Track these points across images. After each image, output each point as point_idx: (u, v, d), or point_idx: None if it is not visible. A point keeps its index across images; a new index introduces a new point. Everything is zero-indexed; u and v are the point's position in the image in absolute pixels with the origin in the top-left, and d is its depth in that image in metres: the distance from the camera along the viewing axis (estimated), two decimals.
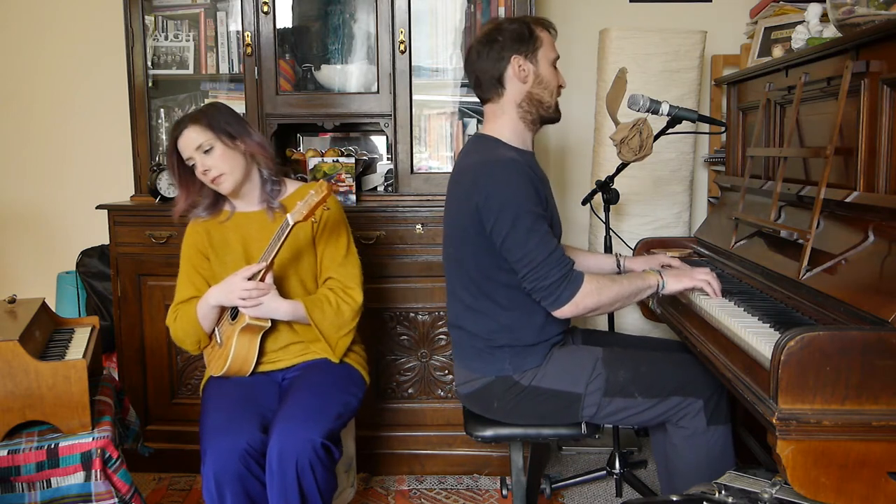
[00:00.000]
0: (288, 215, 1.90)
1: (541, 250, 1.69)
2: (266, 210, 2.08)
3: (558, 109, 1.89)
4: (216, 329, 2.07)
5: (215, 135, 1.98)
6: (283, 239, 1.91)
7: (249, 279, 1.93)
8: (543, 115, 1.86)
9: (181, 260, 2.13)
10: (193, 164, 1.99)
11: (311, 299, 2.02)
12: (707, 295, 1.81)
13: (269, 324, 2.01)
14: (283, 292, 2.02)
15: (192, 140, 1.97)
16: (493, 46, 1.81)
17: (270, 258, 1.93)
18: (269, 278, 1.95)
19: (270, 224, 2.06)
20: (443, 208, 2.51)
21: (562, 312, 1.73)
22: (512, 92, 1.83)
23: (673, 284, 1.82)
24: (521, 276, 1.73)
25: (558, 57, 1.88)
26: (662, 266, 2.02)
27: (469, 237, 1.78)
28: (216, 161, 1.97)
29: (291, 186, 2.15)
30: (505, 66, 1.81)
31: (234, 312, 2.02)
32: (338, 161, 2.64)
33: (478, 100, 2.74)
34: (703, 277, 1.82)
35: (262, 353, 2.04)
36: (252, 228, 2.08)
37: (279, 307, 1.97)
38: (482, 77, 1.85)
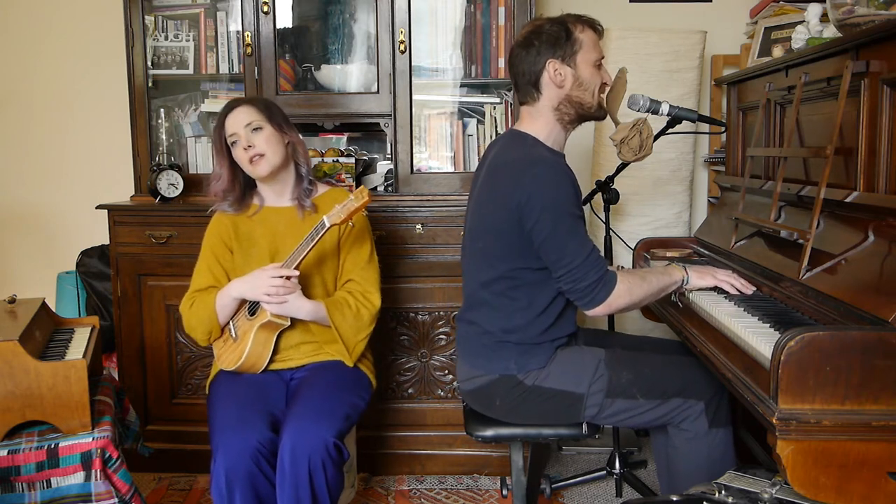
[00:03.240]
0: (325, 217, 1.91)
1: (579, 252, 1.71)
2: (297, 207, 2.10)
3: (602, 107, 1.87)
4: (230, 323, 2.07)
5: (267, 117, 2.03)
6: (316, 239, 1.92)
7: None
8: (584, 114, 1.85)
9: (203, 248, 2.13)
10: (235, 142, 2.02)
11: (332, 301, 2.03)
12: (725, 294, 1.82)
13: (289, 322, 2.01)
14: (305, 292, 2.02)
15: (244, 117, 2.01)
16: (530, 50, 1.80)
17: (301, 257, 1.94)
18: (296, 275, 1.95)
19: (299, 221, 2.07)
20: (443, 208, 2.53)
21: (595, 312, 1.75)
22: (548, 96, 1.82)
23: (696, 281, 1.85)
24: (558, 276, 1.74)
25: (602, 56, 1.85)
26: (689, 255, 2.03)
27: (504, 234, 1.77)
28: (261, 141, 2.01)
29: (322, 187, 2.17)
30: (541, 70, 1.80)
31: (253, 308, 2.01)
32: (338, 161, 2.64)
33: (477, 100, 2.77)
34: (724, 278, 1.84)
35: (274, 350, 2.05)
36: (280, 224, 2.09)
37: (302, 306, 1.97)
38: (520, 81, 1.85)
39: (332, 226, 1.91)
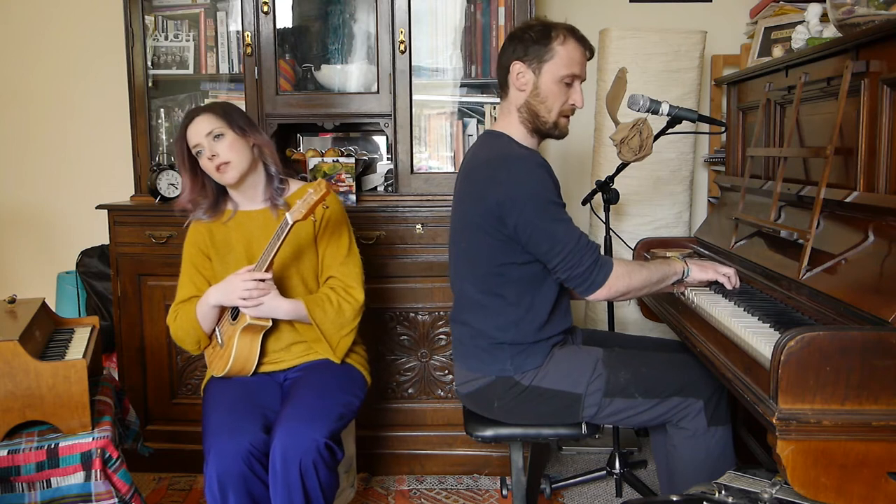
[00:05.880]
0: (287, 215, 1.90)
1: (569, 238, 1.71)
2: (270, 208, 2.08)
3: (557, 127, 1.83)
4: (217, 329, 2.07)
5: (227, 123, 2.00)
6: (282, 238, 1.91)
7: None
8: (540, 128, 1.84)
9: (183, 260, 2.13)
10: (199, 152, 2.00)
11: (312, 298, 2.02)
12: (724, 293, 1.83)
13: (270, 323, 2.00)
14: (285, 291, 2.02)
15: (204, 126, 1.98)
16: (510, 45, 1.81)
17: (270, 258, 1.93)
18: (268, 277, 1.95)
19: (274, 222, 2.06)
20: (443, 208, 2.53)
21: (596, 296, 1.74)
22: (513, 95, 1.83)
23: (697, 273, 1.86)
24: (553, 266, 1.74)
25: (576, 76, 1.80)
26: (689, 255, 2.06)
27: (485, 232, 1.77)
28: (224, 148, 1.98)
29: (294, 186, 2.16)
30: (508, 67, 1.81)
31: (235, 313, 2.01)
32: (338, 161, 2.64)
33: (477, 100, 2.77)
34: (724, 272, 1.85)
35: (264, 353, 2.04)
36: (254, 227, 2.08)
37: (280, 306, 1.96)
38: (497, 72, 1.87)
39: (294, 222, 1.89)
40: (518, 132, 1.85)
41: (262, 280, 1.93)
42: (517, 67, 1.80)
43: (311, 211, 1.88)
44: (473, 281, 1.84)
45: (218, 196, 2.10)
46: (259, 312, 1.96)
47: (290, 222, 1.89)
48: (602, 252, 1.78)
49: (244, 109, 2.62)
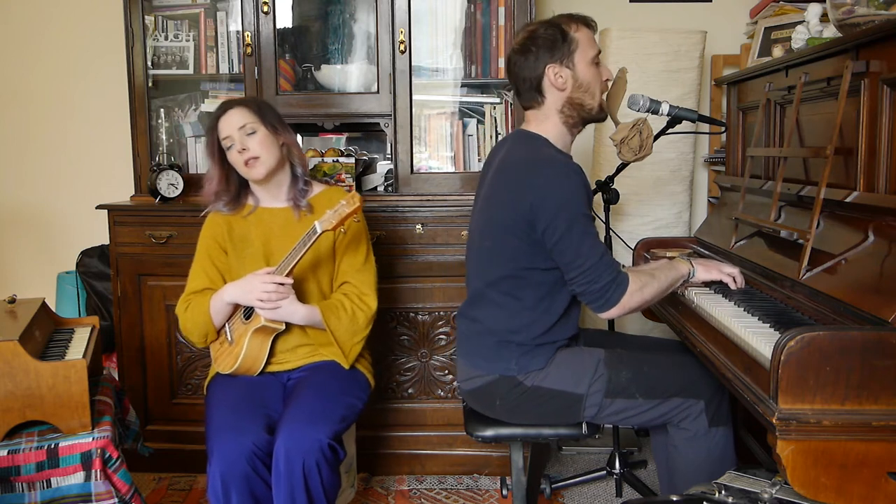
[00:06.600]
0: (316, 223, 1.89)
1: (592, 254, 1.70)
2: (292, 208, 2.09)
3: (602, 109, 1.87)
4: (227, 326, 2.06)
5: (260, 119, 2.01)
6: (308, 246, 1.91)
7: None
8: (585, 117, 1.86)
9: (198, 249, 2.12)
10: (230, 146, 2.00)
11: (327, 305, 2.02)
12: (725, 293, 1.83)
13: (284, 326, 2.00)
14: (301, 296, 2.02)
15: (237, 119, 2.00)
16: (528, 56, 1.81)
17: (293, 264, 1.93)
18: (289, 282, 1.95)
19: (294, 222, 2.06)
20: (443, 208, 2.53)
21: (609, 314, 1.75)
22: (551, 99, 1.82)
23: (702, 273, 1.87)
24: (571, 278, 1.73)
25: (599, 52, 1.85)
26: (690, 255, 2.07)
27: (513, 234, 1.77)
28: (255, 144, 1.99)
29: (317, 187, 2.16)
30: (541, 75, 1.80)
31: (248, 311, 2.01)
32: (338, 161, 2.64)
33: (477, 100, 2.76)
34: (729, 271, 1.85)
35: (271, 353, 2.04)
36: (275, 225, 2.08)
37: (296, 311, 1.96)
38: (521, 87, 1.85)
39: (323, 232, 1.89)
40: (556, 134, 1.85)
41: (282, 284, 1.93)
42: (553, 70, 1.79)
43: (341, 223, 1.88)
44: (492, 280, 1.83)
45: (240, 190, 2.11)
46: (275, 315, 1.95)
47: (319, 231, 1.89)
48: (617, 262, 1.78)
49: None
